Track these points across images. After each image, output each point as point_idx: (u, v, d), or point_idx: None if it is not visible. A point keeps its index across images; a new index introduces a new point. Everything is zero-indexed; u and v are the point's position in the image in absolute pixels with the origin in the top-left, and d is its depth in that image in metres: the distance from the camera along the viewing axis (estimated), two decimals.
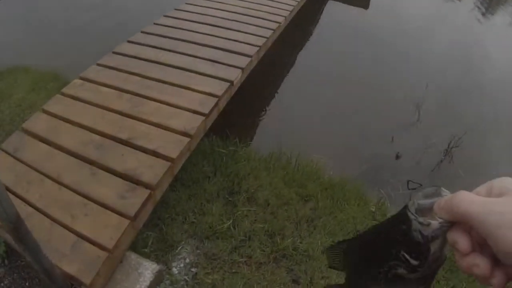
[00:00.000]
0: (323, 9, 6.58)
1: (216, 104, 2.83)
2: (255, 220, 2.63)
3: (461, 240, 0.47)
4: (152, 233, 2.42)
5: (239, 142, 3.27)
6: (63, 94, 2.84)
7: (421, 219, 0.49)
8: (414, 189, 3.20)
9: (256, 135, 3.77)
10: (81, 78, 2.98)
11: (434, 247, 0.49)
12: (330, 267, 0.73)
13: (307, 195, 2.88)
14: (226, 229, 2.53)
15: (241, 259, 2.40)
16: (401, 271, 0.52)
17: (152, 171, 2.22)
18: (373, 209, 2.87)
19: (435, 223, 0.48)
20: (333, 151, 3.48)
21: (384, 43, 5.53)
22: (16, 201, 2.11)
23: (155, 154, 2.35)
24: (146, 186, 2.17)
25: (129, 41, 3.49)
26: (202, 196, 2.74)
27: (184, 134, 2.51)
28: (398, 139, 3.72)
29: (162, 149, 2.36)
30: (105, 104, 2.72)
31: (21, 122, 2.82)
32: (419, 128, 3.88)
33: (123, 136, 2.45)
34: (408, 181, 3.31)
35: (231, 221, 2.58)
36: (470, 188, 0.49)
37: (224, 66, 3.25)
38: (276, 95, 4.37)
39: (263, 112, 4.03)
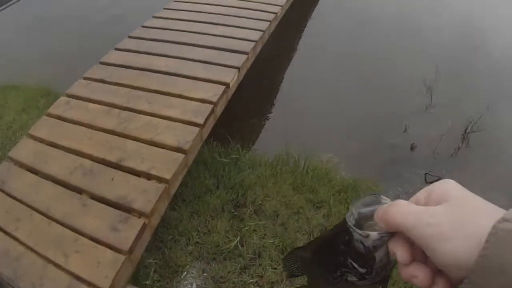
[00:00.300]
0: None
1: (212, 112, 2.66)
2: (265, 234, 2.48)
3: (400, 252, 0.46)
4: (154, 260, 2.28)
5: (242, 147, 3.10)
6: (49, 115, 2.69)
7: (359, 231, 0.49)
8: (432, 182, 3.00)
9: (259, 137, 3.59)
10: (68, 95, 2.83)
11: (379, 255, 0.49)
12: (289, 276, 0.74)
13: (319, 201, 2.71)
14: (233, 247, 2.39)
15: (251, 280, 2.25)
16: (351, 278, 0.52)
17: (145, 196, 2.07)
18: None
19: (373, 235, 0.48)
20: (343, 148, 3.30)
21: (388, 26, 5.22)
22: (7, 241, 2.01)
23: (147, 176, 2.20)
24: (140, 214, 2.02)
25: (116, 49, 3.32)
26: (206, 212, 2.59)
27: (178, 150, 2.35)
28: (411, 128, 3.51)
29: (155, 170, 2.20)
30: (92, 123, 2.56)
31: (12, 146, 2.68)
32: (432, 113, 3.65)
33: (112, 158, 2.30)
34: (425, 174, 3.12)
35: (238, 238, 2.43)
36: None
37: (218, 67, 3.06)
38: (277, 91, 4.16)
39: (264, 111, 3.84)
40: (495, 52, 4.65)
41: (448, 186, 0.46)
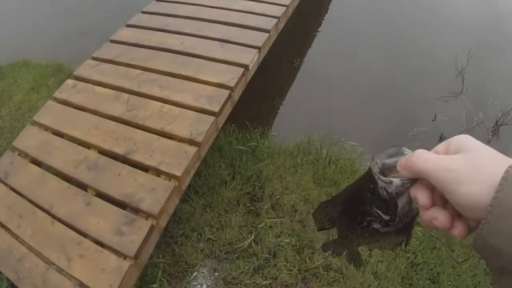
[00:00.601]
0: None
1: (229, 97, 2.48)
2: (281, 232, 2.35)
3: (420, 196, 0.51)
4: (163, 260, 2.18)
5: (260, 134, 2.93)
6: (55, 99, 2.58)
7: (383, 178, 0.54)
8: None
9: (279, 122, 3.38)
10: (75, 77, 2.70)
11: (401, 202, 0.54)
12: (319, 229, 0.75)
13: None
14: (247, 246, 2.27)
15: (265, 282, 2.15)
16: (376, 226, 0.56)
17: (153, 196, 1.95)
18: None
19: (396, 181, 0.53)
20: (369, 136, 3.08)
21: (421, 7, 4.81)
22: (10, 239, 1.96)
23: (156, 171, 2.07)
24: (147, 215, 1.91)
25: (128, 25, 3.14)
26: (220, 206, 2.47)
27: (191, 142, 2.20)
28: (441, 117, 3.26)
29: (165, 165, 2.07)
30: (99, 109, 2.43)
31: (21, 129, 2.60)
32: (463, 102, 3.38)
33: (120, 150, 2.18)
34: None
35: (253, 236, 2.31)
36: None
37: (237, 46, 2.86)
38: (299, 72, 3.90)
39: (285, 93, 3.63)
40: None
41: (465, 139, 0.49)
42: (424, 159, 0.49)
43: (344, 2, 4.94)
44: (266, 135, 3.00)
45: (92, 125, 2.35)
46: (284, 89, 3.67)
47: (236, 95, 2.61)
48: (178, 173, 2.03)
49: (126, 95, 2.51)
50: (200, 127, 2.26)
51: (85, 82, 2.65)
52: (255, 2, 3.35)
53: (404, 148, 0.55)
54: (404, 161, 0.52)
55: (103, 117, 2.40)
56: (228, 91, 2.49)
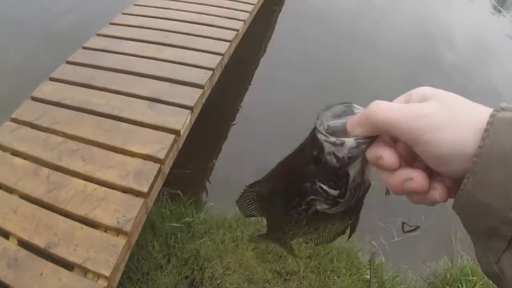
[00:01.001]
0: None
1: (159, 172, 2.50)
2: None
3: (386, 154, 0.44)
4: None
5: (196, 204, 2.96)
6: None
7: (332, 139, 0.45)
8: (410, 231, 3.03)
9: (215, 188, 3.40)
10: None
11: (353, 170, 0.46)
12: (246, 216, 0.68)
13: (287, 271, 2.63)
14: None
15: None
16: (321, 206, 0.49)
17: None
18: (368, 276, 2.66)
19: (350, 141, 0.45)
20: None
21: (360, 46, 5.09)
22: None
23: (82, 270, 2.06)
24: None
25: (51, 79, 3.04)
26: None
27: (118, 231, 2.21)
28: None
29: (91, 263, 2.07)
30: (18, 187, 2.36)
31: None
32: None
33: (40, 242, 2.14)
34: (403, 224, 3.11)
35: None
36: None
37: (167, 107, 2.87)
38: (232, 127, 3.97)
39: (220, 153, 3.67)
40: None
41: (429, 88, 0.45)
42: (388, 108, 0.43)
43: (277, 54, 5.08)
44: (201, 207, 3.03)
45: (10, 208, 2.28)
46: (219, 149, 3.72)
47: (167, 167, 2.64)
48: (106, 272, 2.03)
49: (46, 170, 2.46)
50: (128, 213, 2.27)
51: (3, 150, 2.56)
52: (187, 51, 3.38)
53: (355, 105, 0.48)
54: (360, 114, 0.46)
55: (21, 197, 2.34)
56: (158, 165, 2.51)
